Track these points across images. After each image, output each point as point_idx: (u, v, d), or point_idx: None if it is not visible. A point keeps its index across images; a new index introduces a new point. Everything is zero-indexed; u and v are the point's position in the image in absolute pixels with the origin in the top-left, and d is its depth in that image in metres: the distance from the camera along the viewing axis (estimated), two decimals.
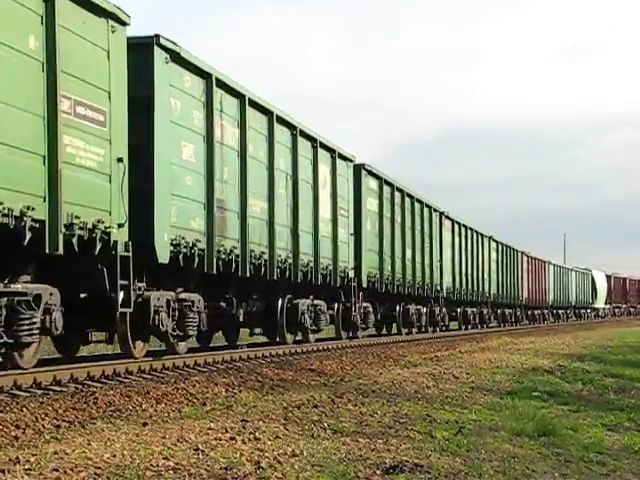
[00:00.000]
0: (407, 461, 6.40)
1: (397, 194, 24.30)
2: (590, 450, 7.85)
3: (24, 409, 8.03)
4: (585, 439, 8.44)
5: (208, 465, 5.89)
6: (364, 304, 21.43)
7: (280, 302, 16.63)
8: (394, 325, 26.04)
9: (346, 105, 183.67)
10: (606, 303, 70.23)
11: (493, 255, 37.62)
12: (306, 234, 17.27)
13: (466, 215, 28.30)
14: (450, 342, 23.98)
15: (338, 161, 19.21)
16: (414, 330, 26.45)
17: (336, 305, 19.83)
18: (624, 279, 77.88)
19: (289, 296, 16.91)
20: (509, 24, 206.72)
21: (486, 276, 35.98)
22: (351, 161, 20.38)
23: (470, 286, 33.30)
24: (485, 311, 36.44)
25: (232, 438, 6.86)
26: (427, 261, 27.26)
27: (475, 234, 34.54)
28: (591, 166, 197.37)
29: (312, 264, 17.57)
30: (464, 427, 8.24)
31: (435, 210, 28.57)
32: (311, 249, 17.58)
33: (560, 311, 55.40)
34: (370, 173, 22.10)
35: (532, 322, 47.00)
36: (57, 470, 5.51)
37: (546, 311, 50.78)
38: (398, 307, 24.93)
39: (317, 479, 5.77)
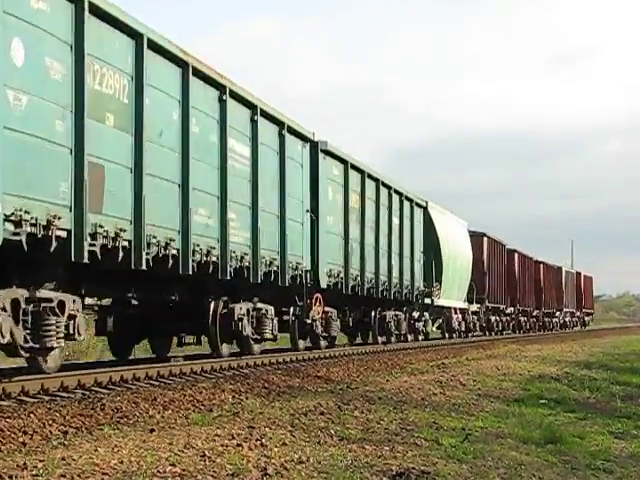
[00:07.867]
0: (414, 468, 6.40)
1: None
2: (597, 458, 7.84)
3: (32, 415, 8.05)
4: (592, 447, 8.42)
5: (215, 471, 5.90)
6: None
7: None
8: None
9: (341, 111, 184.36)
10: (470, 300, 32.35)
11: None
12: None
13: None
14: (457, 349, 23.96)
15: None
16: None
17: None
18: (512, 252, 40.73)
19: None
20: (508, 31, 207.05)
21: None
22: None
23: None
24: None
25: (239, 444, 6.86)
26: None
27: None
28: (592, 173, 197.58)
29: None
30: (471, 434, 8.23)
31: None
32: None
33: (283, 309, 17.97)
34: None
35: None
36: (64, 476, 5.52)
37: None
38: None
39: None
